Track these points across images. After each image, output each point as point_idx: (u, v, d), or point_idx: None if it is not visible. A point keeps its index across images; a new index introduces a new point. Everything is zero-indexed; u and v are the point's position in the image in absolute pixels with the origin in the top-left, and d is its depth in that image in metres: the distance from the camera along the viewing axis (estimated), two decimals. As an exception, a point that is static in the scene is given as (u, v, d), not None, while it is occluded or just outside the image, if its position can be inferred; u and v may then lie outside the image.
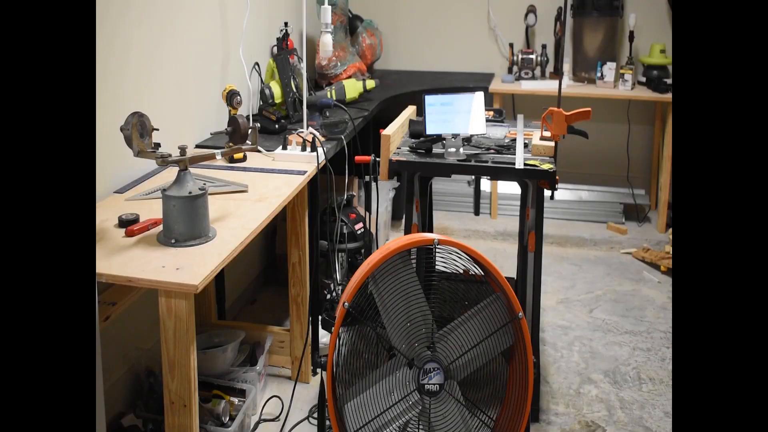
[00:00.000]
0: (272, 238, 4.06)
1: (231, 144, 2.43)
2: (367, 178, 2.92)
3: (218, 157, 2.26)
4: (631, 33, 4.77)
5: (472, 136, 2.86)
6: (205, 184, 2.15)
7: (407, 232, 2.91)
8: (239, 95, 2.87)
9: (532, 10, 4.92)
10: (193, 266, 1.94)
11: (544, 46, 4.91)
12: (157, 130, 2.17)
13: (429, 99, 2.75)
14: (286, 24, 3.82)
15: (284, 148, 2.93)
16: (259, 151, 2.96)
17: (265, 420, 2.88)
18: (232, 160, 2.86)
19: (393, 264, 2.14)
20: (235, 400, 2.75)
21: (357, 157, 2.91)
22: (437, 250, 2.15)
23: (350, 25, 4.66)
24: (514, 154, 2.75)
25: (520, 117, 3.22)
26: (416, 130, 2.94)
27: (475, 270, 2.20)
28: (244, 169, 2.78)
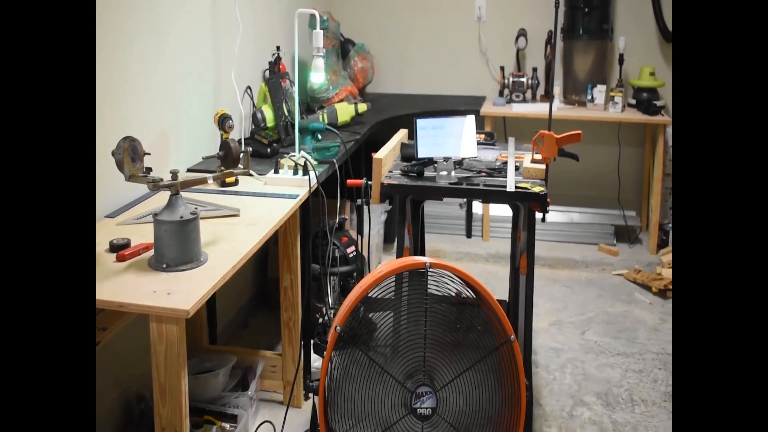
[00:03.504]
0: (264, 261, 4.05)
1: (223, 168, 2.43)
2: (359, 201, 2.93)
3: (210, 181, 2.26)
4: (621, 56, 4.81)
5: (463, 159, 2.87)
6: (196, 208, 2.15)
7: (399, 255, 2.91)
8: (231, 119, 2.88)
9: (522, 33, 4.96)
10: (185, 291, 1.93)
11: (534, 69, 4.94)
12: (149, 154, 2.17)
13: (420, 122, 2.76)
14: (278, 48, 3.83)
15: (276, 171, 2.93)
16: (251, 175, 2.96)
17: (257, 445, 2.87)
18: (223, 184, 2.86)
19: (387, 287, 2.14)
20: (227, 425, 2.74)
21: (349, 181, 2.91)
22: (429, 273, 2.15)
23: (342, 49, 4.68)
24: (506, 177, 2.76)
25: (511, 140, 3.23)
26: (408, 153, 2.95)
27: (467, 293, 2.20)
28: (236, 193, 2.78)
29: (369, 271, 2.84)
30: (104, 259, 2.14)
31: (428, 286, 2.15)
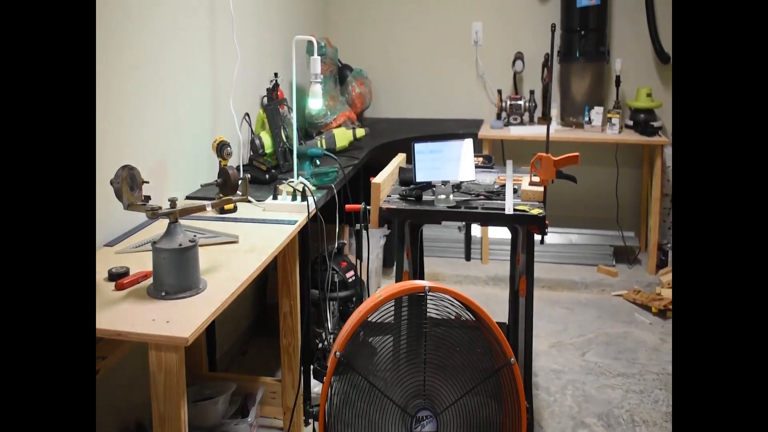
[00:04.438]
0: (263, 287, 4.05)
1: (221, 195, 2.44)
2: (357, 226, 2.94)
3: (208, 208, 2.26)
4: (618, 78, 4.84)
5: (461, 182, 2.88)
6: (195, 235, 2.16)
7: (398, 279, 2.91)
8: (229, 146, 2.89)
9: (519, 56, 4.99)
10: (184, 319, 1.93)
11: (532, 92, 4.97)
12: (147, 182, 2.18)
13: (418, 147, 2.77)
14: (276, 74, 3.86)
15: (275, 197, 2.94)
16: (249, 202, 2.97)
17: (258, 472, 2.85)
18: (222, 211, 2.86)
19: (386, 311, 2.14)
20: (228, 452, 2.73)
21: (347, 206, 2.92)
22: (428, 297, 2.15)
23: (340, 75, 4.71)
24: (504, 200, 2.77)
25: (509, 163, 3.24)
26: (406, 177, 2.96)
27: (467, 316, 2.20)
28: (235, 220, 2.79)
29: (368, 296, 2.84)
30: (103, 287, 2.15)
31: (428, 309, 2.16)
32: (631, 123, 4.83)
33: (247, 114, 3.71)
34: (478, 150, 4.22)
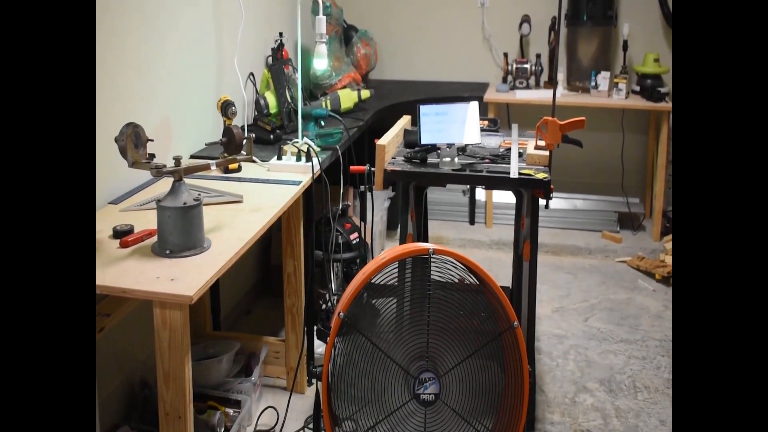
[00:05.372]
0: (267, 248, 4.05)
1: (226, 154, 2.43)
2: (362, 187, 2.93)
3: (213, 167, 2.26)
4: (625, 42, 4.79)
5: (466, 145, 2.87)
6: (199, 194, 2.15)
7: (402, 241, 2.91)
8: (234, 105, 2.87)
9: (526, 19, 4.93)
10: (188, 277, 1.93)
11: (538, 56, 4.92)
12: (152, 140, 2.16)
13: (423, 109, 2.75)
14: (281, 34, 3.82)
15: (279, 158, 2.93)
16: (254, 162, 2.96)
17: (261, 431, 2.88)
18: (227, 170, 2.86)
19: (390, 273, 2.14)
20: (230, 411, 2.75)
21: (352, 167, 2.91)
22: (432, 259, 2.15)
23: (345, 36, 4.67)
24: (509, 164, 2.75)
25: (514, 126, 3.22)
26: (411, 139, 2.94)
27: (470, 279, 2.20)
28: (239, 180, 2.78)
29: (372, 258, 2.84)
30: (107, 245, 2.15)
31: (431, 272, 2.16)
32: (637, 88, 4.78)
33: (251, 74, 3.68)
34: (483, 113, 4.18)
